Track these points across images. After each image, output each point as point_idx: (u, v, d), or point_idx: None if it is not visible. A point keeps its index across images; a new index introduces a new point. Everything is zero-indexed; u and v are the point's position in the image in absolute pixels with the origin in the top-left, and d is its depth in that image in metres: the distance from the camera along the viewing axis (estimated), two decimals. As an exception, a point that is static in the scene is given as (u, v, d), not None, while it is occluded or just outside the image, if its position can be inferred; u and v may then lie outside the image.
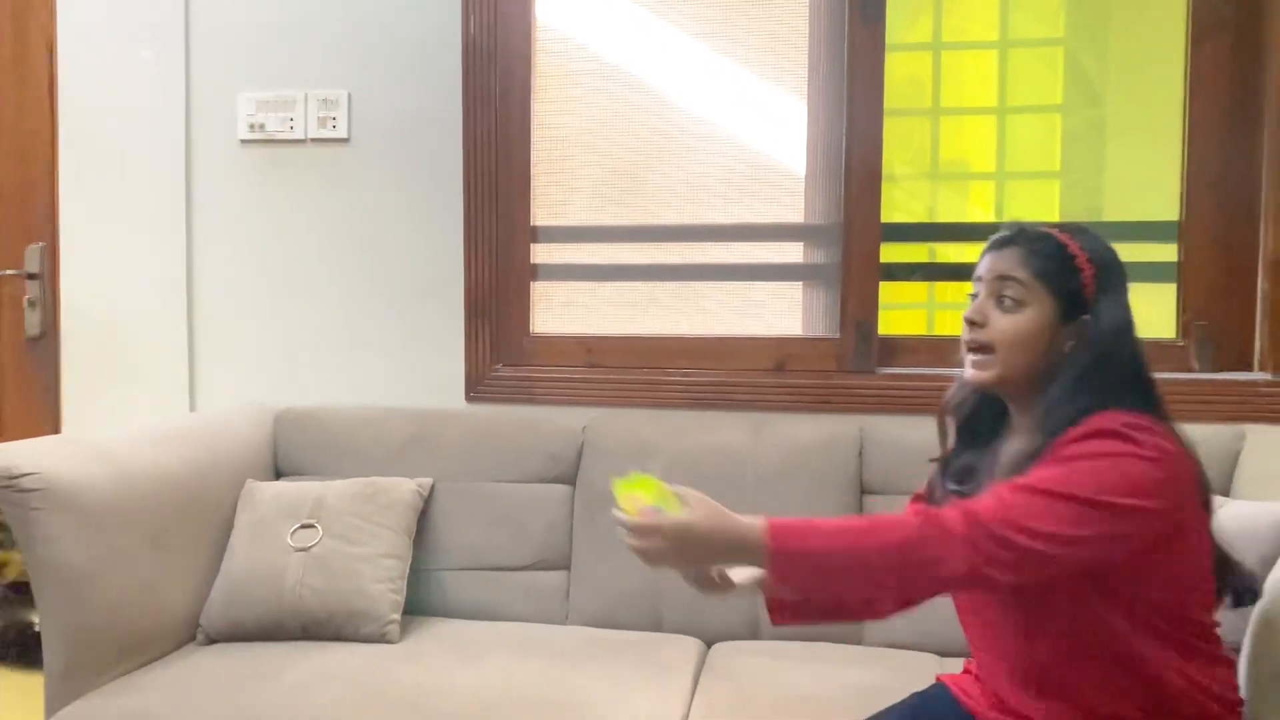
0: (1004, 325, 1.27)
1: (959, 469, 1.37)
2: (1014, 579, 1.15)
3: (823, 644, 1.95)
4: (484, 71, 2.30)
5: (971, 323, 1.28)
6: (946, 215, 2.37)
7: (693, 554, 1.23)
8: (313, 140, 2.40)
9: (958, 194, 2.41)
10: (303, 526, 2.01)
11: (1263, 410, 2.03)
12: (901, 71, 2.36)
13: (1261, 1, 2.08)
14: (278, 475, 2.26)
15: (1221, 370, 2.11)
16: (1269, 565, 1.44)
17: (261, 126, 2.41)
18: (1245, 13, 2.10)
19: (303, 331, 2.42)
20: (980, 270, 1.32)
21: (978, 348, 1.28)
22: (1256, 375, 2.08)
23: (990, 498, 1.18)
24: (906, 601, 1.34)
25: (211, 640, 1.96)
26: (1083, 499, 1.14)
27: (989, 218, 2.35)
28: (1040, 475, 1.17)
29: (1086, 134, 2.31)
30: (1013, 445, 1.32)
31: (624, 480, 1.27)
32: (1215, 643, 1.27)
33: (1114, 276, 1.29)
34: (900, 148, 2.35)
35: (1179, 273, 2.16)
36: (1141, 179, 2.25)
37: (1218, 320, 2.13)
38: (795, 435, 2.10)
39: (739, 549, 1.20)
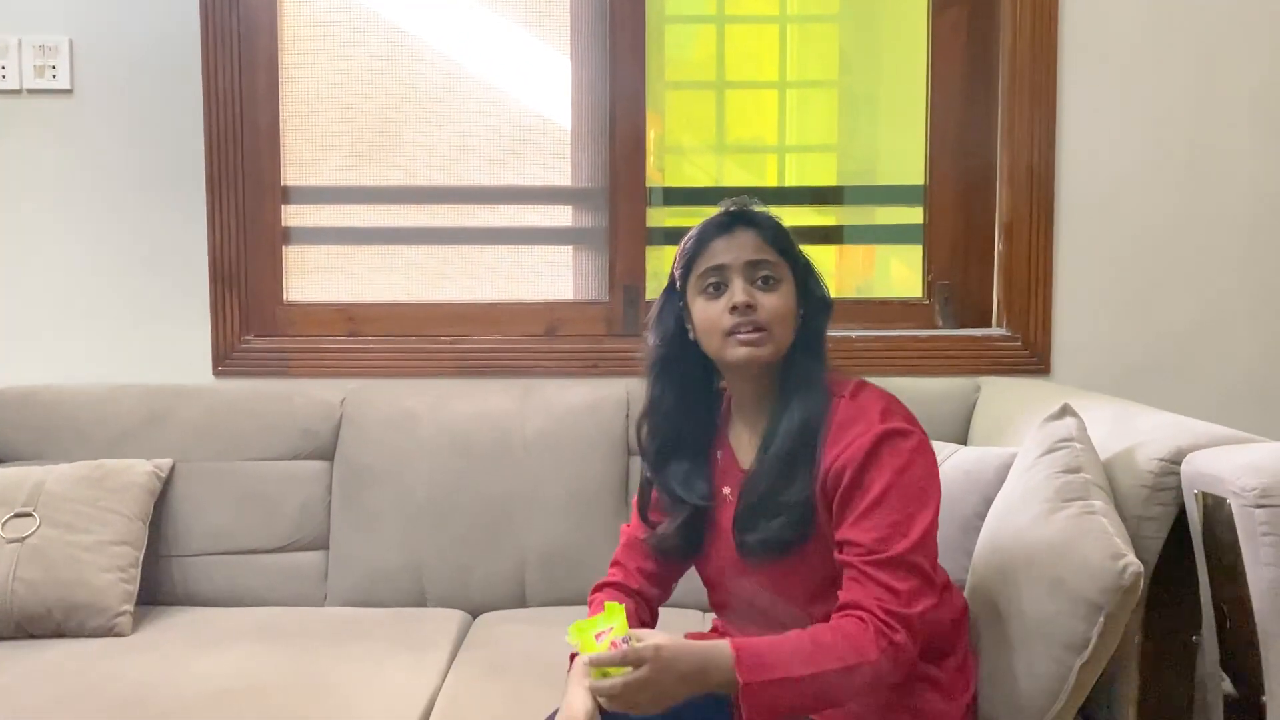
0: (773, 304, 1.29)
1: (681, 476, 1.37)
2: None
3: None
4: (225, 17, 2.14)
5: (748, 306, 1.28)
6: (733, 184, 2.39)
7: (667, 684, 1.14)
8: (29, 91, 2.16)
9: (744, 167, 2.44)
10: (17, 515, 1.82)
11: (997, 363, 2.16)
12: (688, 45, 2.37)
13: (994, -26, 2.19)
14: (-9, 463, 2.04)
15: (962, 326, 2.23)
16: (989, 503, 1.52)
17: (-34, 74, 2.15)
18: (980, -15, 2.21)
19: (24, 304, 2.19)
20: (721, 259, 1.31)
21: (754, 328, 1.29)
22: (993, 330, 2.21)
23: (892, 572, 1.19)
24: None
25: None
26: (928, 513, 1.23)
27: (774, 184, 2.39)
28: (885, 521, 1.21)
29: (859, 104, 2.39)
30: (750, 429, 1.36)
31: (581, 621, 1.20)
32: None
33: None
34: (688, 122, 2.35)
35: (925, 234, 2.26)
36: (902, 147, 2.34)
37: (959, 279, 2.25)
38: (563, 400, 2.07)
39: (705, 675, 1.15)
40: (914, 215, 2.29)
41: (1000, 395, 1.99)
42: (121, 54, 2.15)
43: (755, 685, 1.14)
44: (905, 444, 1.24)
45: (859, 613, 1.19)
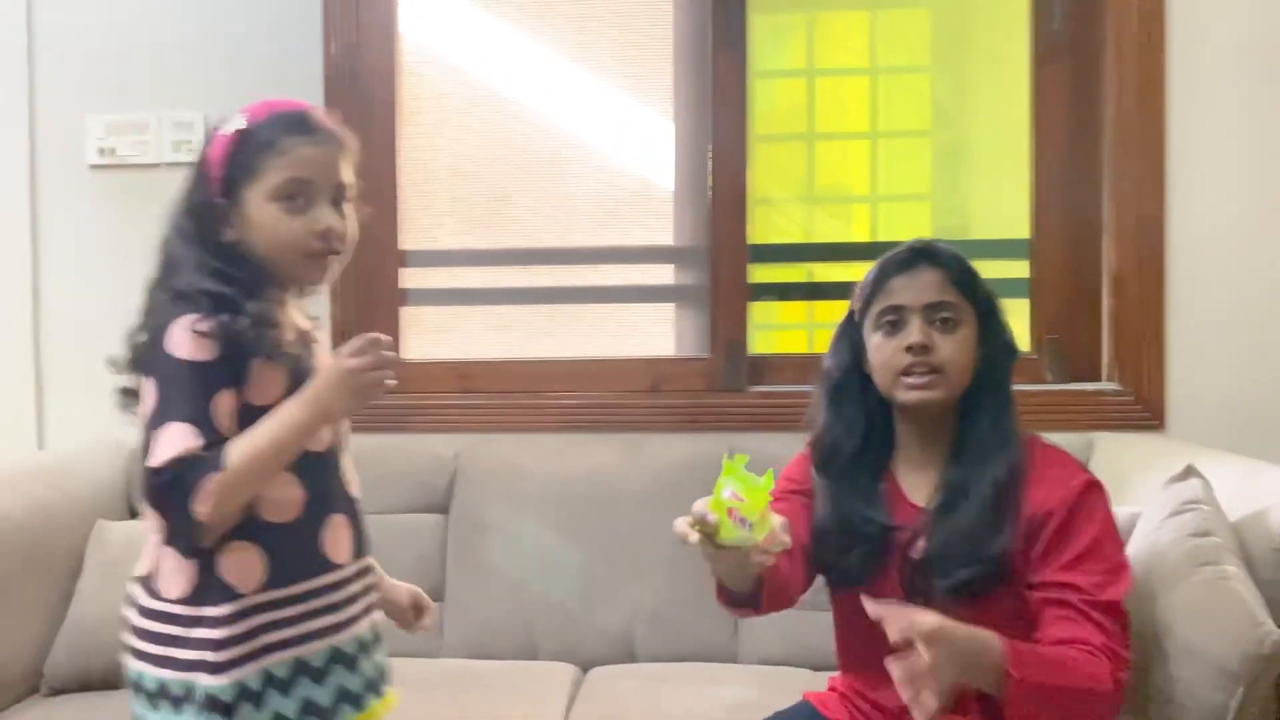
0: (951, 347, 1.29)
1: (866, 497, 1.34)
2: None
3: (698, 664, 1.95)
4: (346, 93, 2.26)
5: (924, 347, 1.28)
6: (824, 237, 2.42)
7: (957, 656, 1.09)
8: (167, 164, 2.31)
9: (834, 217, 2.47)
10: (153, 568, 1.91)
11: (1110, 418, 2.12)
12: (777, 97, 2.41)
13: (1097, 26, 2.18)
14: (133, 515, 2.15)
15: (1072, 381, 2.20)
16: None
17: (112, 150, 2.31)
18: (1082, 37, 2.21)
19: (160, 363, 2.32)
20: (900, 299, 1.30)
21: (928, 370, 1.29)
22: (1104, 385, 2.17)
23: (1107, 615, 1.20)
24: None
25: (56, 691, 1.84)
26: (1128, 568, 1.25)
27: (865, 237, 2.41)
28: (1099, 568, 1.22)
29: (953, 156, 2.40)
30: (919, 466, 1.34)
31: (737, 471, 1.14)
32: None
33: (989, 289, 1.35)
34: (778, 173, 2.40)
35: (1031, 288, 2.25)
36: (1001, 199, 2.34)
37: (1067, 333, 2.22)
38: (668, 455, 2.10)
39: (978, 658, 1.13)
40: (1016, 269, 2.28)
41: (1115, 452, 1.95)
42: (252, 129, 2.29)
43: (1025, 684, 1.12)
44: (1105, 497, 1.27)
45: (1086, 647, 1.18)
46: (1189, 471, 1.44)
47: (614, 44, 2.32)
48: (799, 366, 2.27)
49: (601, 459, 2.11)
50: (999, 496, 1.26)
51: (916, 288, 1.30)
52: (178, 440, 1.11)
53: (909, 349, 1.28)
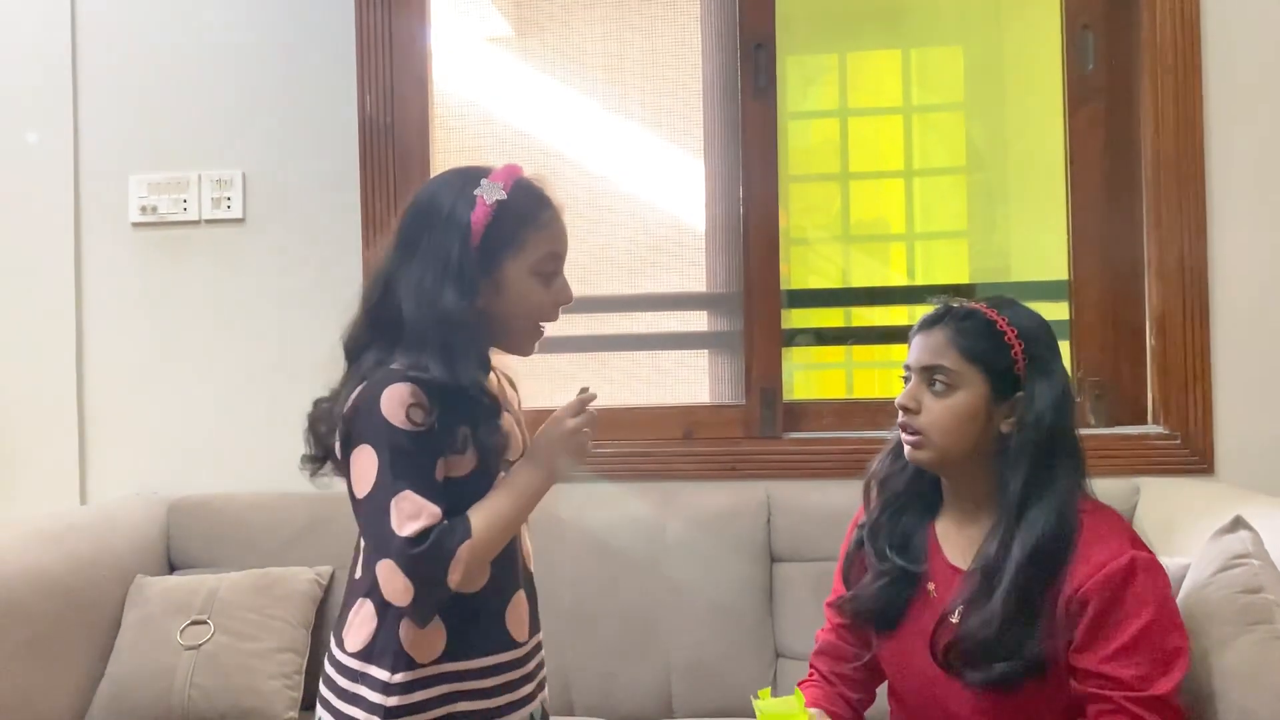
0: (936, 410, 1.28)
1: (899, 537, 1.36)
2: None
3: (736, 719, 1.92)
4: (381, 147, 2.29)
5: (904, 408, 1.30)
6: (861, 276, 2.40)
7: None
8: (207, 221, 2.36)
9: (871, 256, 2.45)
10: (193, 623, 1.92)
11: (1156, 462, 2.06)
12: (811, 138, 2.42)
13: (1131, 66, 2.16)
14: (171, 568, 2.17)
15: (1116, 425, 2.15)
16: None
17: (154, 209, 2.36)
18: (1117, 81, 2.18)
19: (201, 417, 2.35)
20: (909, 358, 1.32)
21: (912, 431, 1.30)
22: (1150, 428, 2.12)
23: (1155, 711, 1.16)
24: None
25: (94, 749, 1.85)
26: (1186, 652, 1.20)
27: (902, 276, 2.39)
28: (1148, 658, 1.17)
29: (988, 196, 2.38)
30: (961, 528, 1.33)
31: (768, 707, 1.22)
32: None
33: (1044, 349, 1.30)
34: (812, 212, 2.39)
35: (1071, 330, 2.21)
36: (1039, 239, 2.31)
37: (1110, 376, 2.18)
38: (704, 504, 2.08)
39: None
40: (1056, 311, 2.24)
41: (1163, 498, 1.90)
42: (289, 186, 2.33)
43: None
44: (1161, 574, 1.21)
45: None
46: (1237, 523, 1.39)
47: (645, 91, 2.34)
48: (836, 412, 2.25)
49: (636, 508, 2.09)
50: (1031, 586, 1.21)
51: (919, 348, 1.32)
52: (423, 507, 1.12)
53: (899, 407, 1.32)
